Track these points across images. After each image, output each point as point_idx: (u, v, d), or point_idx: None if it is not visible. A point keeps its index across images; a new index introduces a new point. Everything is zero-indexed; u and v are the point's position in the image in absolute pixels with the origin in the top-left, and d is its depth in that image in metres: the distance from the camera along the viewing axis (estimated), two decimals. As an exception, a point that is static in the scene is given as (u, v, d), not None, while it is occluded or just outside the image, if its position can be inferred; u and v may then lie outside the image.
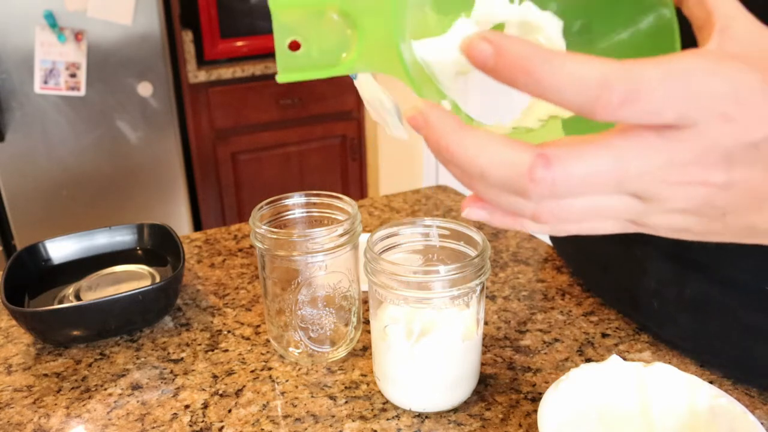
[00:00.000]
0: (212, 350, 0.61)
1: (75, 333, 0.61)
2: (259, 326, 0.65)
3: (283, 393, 0.55)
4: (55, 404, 0.55)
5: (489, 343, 0.61)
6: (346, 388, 0.56)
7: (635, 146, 0.26)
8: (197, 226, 2.31)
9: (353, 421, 0.52)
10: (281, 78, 0.29)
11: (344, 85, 2.29)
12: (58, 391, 0.57)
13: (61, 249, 0.73)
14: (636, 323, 0.63)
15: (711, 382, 0.50)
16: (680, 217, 0.28)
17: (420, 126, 0.27)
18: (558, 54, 0.24)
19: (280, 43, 0.28)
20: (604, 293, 0.67)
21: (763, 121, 0.25)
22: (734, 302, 0.52)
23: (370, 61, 0.28)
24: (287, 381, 0.57)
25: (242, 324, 0.65)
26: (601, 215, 0.28)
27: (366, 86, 0.42)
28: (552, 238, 0.76)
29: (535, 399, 0.54)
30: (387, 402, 0.54)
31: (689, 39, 0.31)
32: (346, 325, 0.59)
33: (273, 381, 0.57)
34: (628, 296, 0.61)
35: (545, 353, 0.59)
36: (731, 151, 0.26)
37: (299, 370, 0.58)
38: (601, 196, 0.27)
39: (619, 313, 0.65)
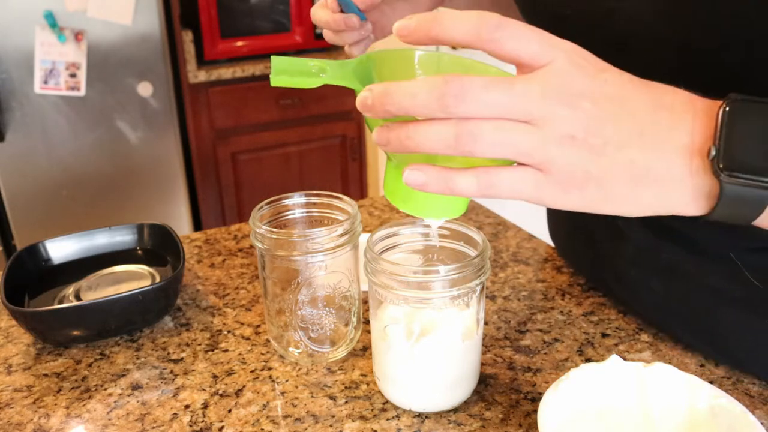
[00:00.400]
0: (212, 350, 0.62)
1: (75, 333, 0.61)
2: (259, 326, 0.65)
3: (283, 393, 0.55)
4: (55, 404, 0.55)
5: (489, 343, 0.61)
6: (346, 388, 0.56)
7: (516, 79, 0.34)
8: (197, 226, 2.31)
9: (353, 421, 0.52)
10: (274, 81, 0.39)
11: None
12: (58, 391, 0.57)
13: (61, 249, 0.73)
14: (615, 298, 0.66)
15: (711, 382, 0.50)
16: (573, 150, 0.35)
17: (366, 98, 0.36)
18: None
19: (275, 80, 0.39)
20: (591, 270, 0.69)
21: (601, 64, 0.36)
22: (703, 268, 0.54)
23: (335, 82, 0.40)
24: (287, 381, 0.57)
25: (242, 324, 0.65)
26: (508, 141, 0.34)
27: None
28: (549, 222, 0.78)
29: (535, 399, 0.54)
30: (387, 402, 0.54)
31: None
32: (346, 325, 0.59)
33: (273, 381, 0.57)
34: (611, 267, 0.63)
35: (545, 353, 0.59)
36: (588, 86, 0.35)
37: (299, 370, 0.58)
38: (502, 120, 0.34)
39: (606, 293, 0.68)
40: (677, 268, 0.56)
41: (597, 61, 0.36)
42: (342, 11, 0.58)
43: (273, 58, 0.40)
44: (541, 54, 0.34)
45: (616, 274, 0.63)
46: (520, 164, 0.36)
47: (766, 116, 0.35)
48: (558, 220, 0.75)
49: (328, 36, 0.63)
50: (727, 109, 0.35)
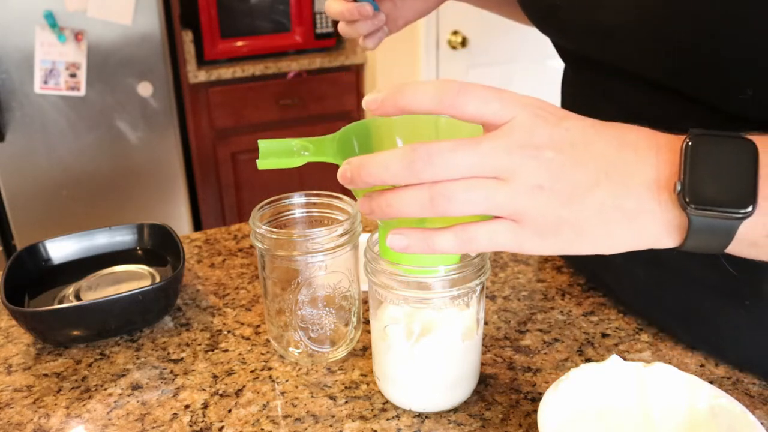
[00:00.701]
0: (212, 350, 0.62)
1: (75, 333, 0.61)
2: (259, 326, 0.65)
3: (283, 393, 0.55)
4: (55, 404, 0.55)
5: (489, 343, 0.61)
6: (346, 388, 0.56)
7: (482, 138, 0.36)
8: (197, 226, 2.31)
9: (353, 421, 0.52)
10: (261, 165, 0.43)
11: (344, 85, 2.29)
12: (58, 391, 0.57)
13: (61, 249, 0.73)
14: (604, 288, 0.67)
15: (711, 382, 0.50)
16: (543, 199, 0.36)
17: (346, 171, 0.38)
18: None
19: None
20: (585, 263, 0.70)
21: (562, 113, 0.38)
22: (684, 256, 0.55)
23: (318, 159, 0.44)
24: (287, 381, 0.57)
25: (242, 324, 0.65)
26: (479, 198, 0.36)
27: None
28: None
29: (535, 399, 0.54)
30: (387, 402, 0.54)
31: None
32: (346, 325, 0.59)
33: (273, 381, 0.57)
34: (602, 257, 0.64)
35: (545, 353, 0.59)
36: (550, 135, 0.36)
37: (299, 370, 0.58)
38: (473, 179, 0.36)
39: (595, 284, 0.69)
40: (659, 257, 0.58)
41: (557, 110, 0.38)
42: (356, 0, 0.60)
43: (260, 142, 0.43)
44: (502, 111, 0.37)
45: (605, 262, 0.64)
46: (496, 217, 0.37)
47: (727, 149, 0.36)
48: None
49: (343, 29, 0.65)
50: (690, 143, 0.36)
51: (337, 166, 0.41)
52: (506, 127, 0.36)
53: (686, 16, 0.43)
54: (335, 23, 0.65)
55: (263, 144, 0.43)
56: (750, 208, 0.35)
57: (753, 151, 0.36)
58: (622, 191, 0.36)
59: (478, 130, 0.40)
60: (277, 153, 0.43)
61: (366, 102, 0.39)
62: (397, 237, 0.39)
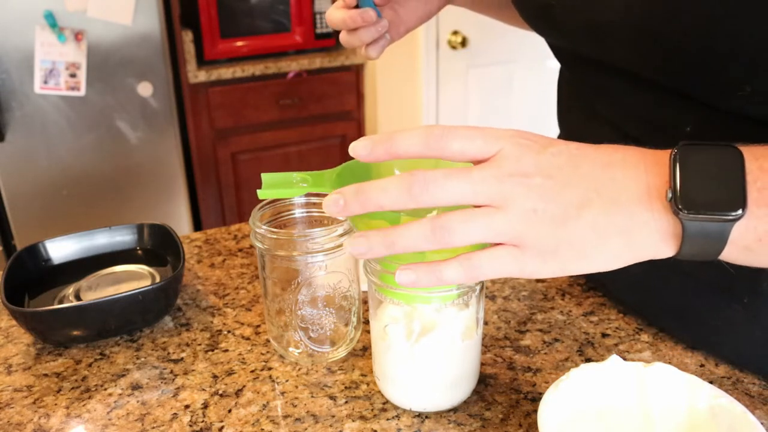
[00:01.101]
0: (212, 350, 0.62)
1: (75, 333, 0.61)
2: (259, 326, 0.65)
3: (283, 393, 0.55)
4: (55, 404, 0.55)
5: (489, 343, 0.61)
6: (346, 388, 0.56)
7: (473, 168, 0.38)
8: (197, 226, 2.31)
9: (353, 421, 0.52)
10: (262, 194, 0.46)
11: (344, 85, 2.29)
12: (58, 391, 0.57)
13: (61, 249, 0.73)
14: (603, 287, 0.68)
15: (711, 382, 0.50)
16: (538, 222, 0.37)
17: (338, 199, 0.39)
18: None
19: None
20: None
21: (546, 140, 0.39)
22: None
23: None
24: (287, 381, 0.57)
25: (242, 324, 0.65)
26: (477, 226, 0.37)
27: None
28: None
29: (535, 399, 0.54)
30: (387, 402, 0.54)
31: None
32: (346, 325, 0.59)
33: (273, 381, 0.57)
34: None
35: (545, 353, 0.59)
36: (537, 161, 0.38)
37: (299, 370, 0.58)
38: (468, 210, 0.38)
39: (594, 283, 0.69)
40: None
41: (542, 138, 0.40)
42: (358, 7, 0.59)
43: (263, 175, 0.47)
44: (486, 147, 0.38)
45: None
46: (497, 244, 0.39)
47: (713, 155, 0.37)
48: None
49: (345, 38, 0.64)
50: (678, 153, 0.37)
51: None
52: (494, 159, 0.38)
53: (683, 12, 0.43)
54: (336, 30, 0.64)
55: (266, 176, 0.47)
56: (740, 211, 0.36)
57: (739, 158, 0.37)
58: (614, 207, 0.37)
59: None
60: (277, 185, 0.46)
61: (354, 149, 0.40)
62: (406, 273, 0.40)
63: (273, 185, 0.47)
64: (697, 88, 0.47)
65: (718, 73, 0.44)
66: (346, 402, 0.54)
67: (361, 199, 0.39)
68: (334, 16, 0.61)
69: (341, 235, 0.55)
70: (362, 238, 0.40)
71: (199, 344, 0.62)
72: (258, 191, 0.47)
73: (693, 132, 0.49)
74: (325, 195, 0.59)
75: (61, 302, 0.67)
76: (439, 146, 0.39)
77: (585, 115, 0.63)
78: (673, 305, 0.59)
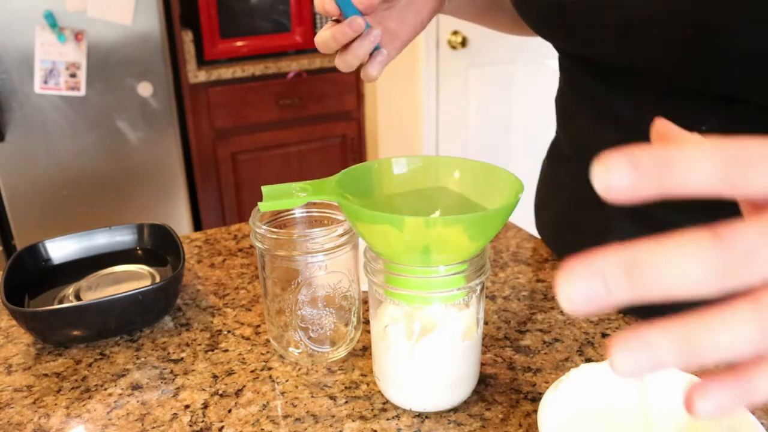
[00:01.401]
0: (212, 350, 0.62)
1: (75, 333, 0.61)
2: (259, 326, 0.65)
3: (283, 393, 0.55)
4: (55, 404, 0.55)
5: (489, 343, 0.61)
6: (346, 388, 0.56)
7: None
8: (197, 226, 2.31)
9: (353, 421, 0.52)
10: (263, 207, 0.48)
11: (344, 85, 2.29)
12: (58, 391, 0.57)
13: (61, 249, 0.73)
14: None
15: (711, 382, 0.50)
16: None
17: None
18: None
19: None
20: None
21: None
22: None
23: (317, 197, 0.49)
24: (287, 381, 0.57)
25: (242, 324, 0.65)
26: None
27: None
28: (536, 218, 0.79)
29: (535, 399, 0.54)
30: (387, 402, 0.54)
31: None
32: (346, 325, 0.59)
33: (273, 381, 0.57)
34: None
35: (545, 353, 0.59)
36: None
37: (299, 370, 0.58)
38: None
39: None
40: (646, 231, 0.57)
41: None
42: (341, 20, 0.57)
43: (263, 188, 0.48)
44: None
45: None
46: None
47: None
48: (545, 213, 0.76)
49: (341, 60, 0.59)
50: None
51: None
52: None
53: (719, 3, 0.40)
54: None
55: (267, 189, 0.48)
56: None
57: None
58: None
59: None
60: (278, 196, 0.47)
61: (606, 184, 0.23)
62: (709, 400, 0.25)
63: (274, 197, 0.47)
64: (730, 84, 0.44)
65: (758, 68, 0.41)
66: (346, 402, 0.54)
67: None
68: (323, 36, 0.57)
69: (341, 235, 0.55)
70: (665, 334, 0.25)
71: (199, 344, 0.62)
72: (259, 204, 0.47)
73: (709, 131, 0.48)
74: (325, 202, 0.61)
75: (61, 302, 0.67)
76: (743, 183, 0.23)
77: (594, 119, 0.62)
78: (673, 306, 0.59)
